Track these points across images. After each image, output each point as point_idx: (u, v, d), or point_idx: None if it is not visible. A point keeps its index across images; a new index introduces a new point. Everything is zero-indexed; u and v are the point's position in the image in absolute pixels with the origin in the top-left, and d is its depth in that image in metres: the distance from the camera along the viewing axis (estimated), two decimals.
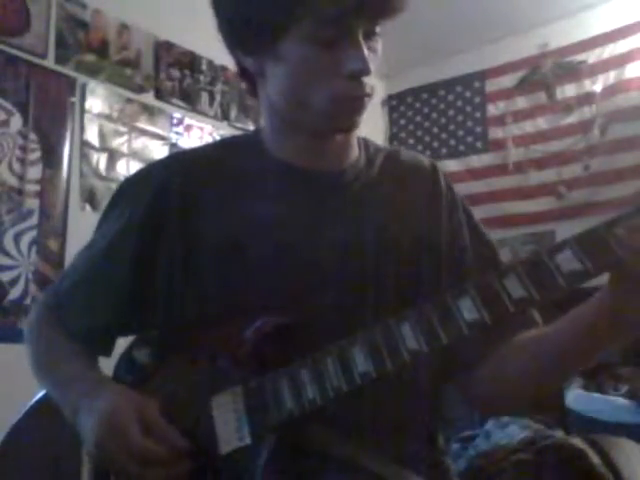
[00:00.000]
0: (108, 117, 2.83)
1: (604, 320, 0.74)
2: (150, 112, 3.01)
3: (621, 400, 2.52)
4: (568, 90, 3.83)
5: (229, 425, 0.79)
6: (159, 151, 2.98)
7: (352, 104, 0.85)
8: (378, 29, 0.83)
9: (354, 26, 0.79)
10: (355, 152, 0.96)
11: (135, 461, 0.77)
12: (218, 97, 3.33)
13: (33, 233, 2.49)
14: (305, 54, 0.81)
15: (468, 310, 0.70)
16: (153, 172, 0.97)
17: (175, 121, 3.11)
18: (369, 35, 0.82)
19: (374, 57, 0.83)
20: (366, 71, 0.81)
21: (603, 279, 0.70)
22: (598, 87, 3.71)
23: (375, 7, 0.80)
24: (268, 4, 0.79)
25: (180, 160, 0.98)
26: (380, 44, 0.85)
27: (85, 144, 2.73)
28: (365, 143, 1.00)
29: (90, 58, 2.80)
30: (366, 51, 0.80)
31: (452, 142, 4.25)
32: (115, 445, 0.78)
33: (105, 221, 0.97)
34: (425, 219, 0.95)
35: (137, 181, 0.98)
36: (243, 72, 0.90)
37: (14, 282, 2.41)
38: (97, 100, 2.80)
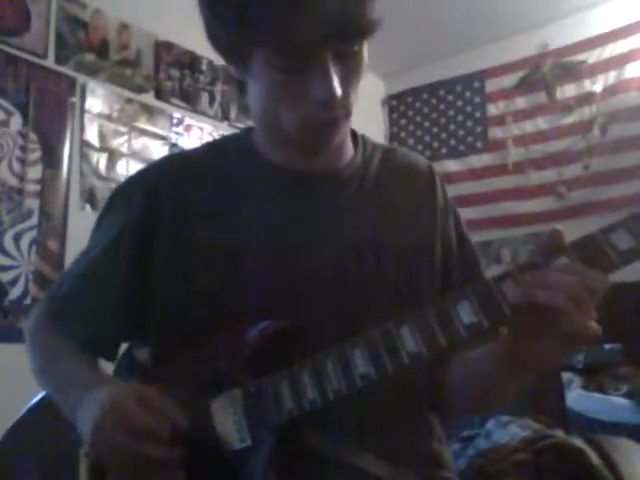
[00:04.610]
0: (108, 117, 2.83)
1: (504, 360, 0.78)
2: (150, 112, 3.01)
3: (621, 400, 2.52)
4: (568, 90, 3.84)
5: (229, 427, 0.80)
6: (159, 151, 2.98)
7: (322, 128, 0.82)
8: (357, 47, 0.78)
9: (319, 52, 0.74)
10: (350, 150, 0.95)
11: (133, 435, 0.74)
12: (218, 97, 3.33)
13: (33, 233, 2.49)
14: (272, 78, 0.78)
15: (467, 314, 0.71)
16: (144, 176, 0.96)
17: (175, 121, 3.11)
18: (343, 55, 0.77)
19: (352, 76, 0.80)
20: (333, 99, 0.76)
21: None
22: (598, 87, 3.72)
23: (340, 34, 0.74)
24: (229, 31, 0.77)
25: (172, 163, 0.98)
26: (364, 58, 0.80)
27: (85, 144, 2.73)
28: (362, 140, 0.99)
29: (90, 58, 2.81)
30: (335, 77, 0.75)
31: (452, 142, 4.26)
32: (112, 423, 0.76)
33: (100, 227, 0.97)
34: (421, 221, 0.95)
35: (130, 185, 0.97)
36: (230, 74, 0.90)
37: (14, 282, 2.41)
38: (97, 100, 2.80)
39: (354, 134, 0.98)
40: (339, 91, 0.76)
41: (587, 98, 3.75)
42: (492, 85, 4.13)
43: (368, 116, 3.95)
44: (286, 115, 0.81)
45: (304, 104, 0.79)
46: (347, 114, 0.82)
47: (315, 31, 0.72)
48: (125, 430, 0.75)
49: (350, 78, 0.79)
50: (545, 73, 3.91)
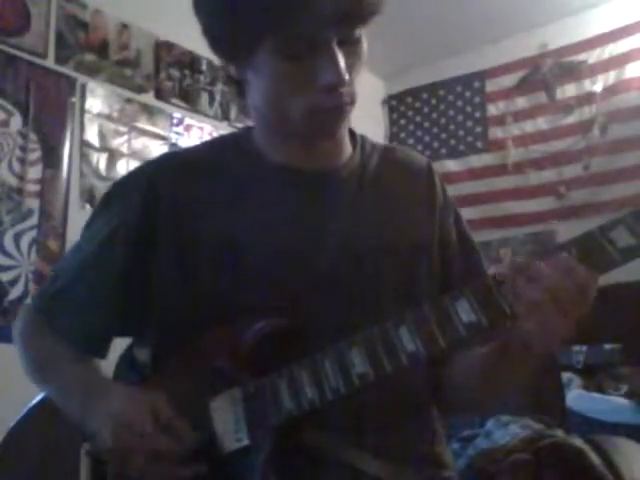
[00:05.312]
0: (108, 117, 2.83)
1: (515, 346, 0.78)
2: (150, 112, 3.01)
3: (621, 400, 2.52)
4: (568, 90, 3.84)
5: (228, 426, 0.80)
6: (159, 151, 2.97)
7: (329, 115, 0.82)
8: (358, 33, 0.80)
9: (326, 38, 0.76)
10: (348, 149, 0.95)
11: (151, 459, 0.77)
12: (218, 97, 3.33)
13: (33, 233, 2.49)
14: (278, 68, 0.79)
15: (465, 312, 0.70)
16: (143, 173, 0.96)
17: (175, 121, 3.11)
18: (347, 41, 0.79)
19: (356, 62, 0.81)
20: (341, 83, 0.78)
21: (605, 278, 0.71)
22: (598, 87, 3.72)
23: (345, 18, 0.76)
24: (236, 20, 0.77)
25: (171, 160, 0.97)
26: (364, 46, 0.82)
27: (85, 144, 2.73)
28: (361, 140, 0.99)
29: (90, 58, 2.81)
30: (341, 61, 0.77)
31: (452, 142, 4.25)
32: (129, 443, 0.78)
33: (94, 223, 0.96)
34: (420, 221, 0.95)
35: (127, 182, 0.97)
36: (229, 76, 0.89)
37: (14, 282, 2.41)
38: (97, 100, 2.80)
39: (352, 133, 0.98)
40: (346, 75, 0.78)
41: (587, 98, 3.75)
42: (492, 85, 4.12)
43: (368, 116, 3.94)
44: (292, 105, 0.81)
45: (310, 92, 0.79)
46: (352, 101, 0.83)
47: (323, 14, 0.74)
48: (142, 453, 0.77)
49: (353, 65, 0.81)
50: (545, 73, 3.91)
